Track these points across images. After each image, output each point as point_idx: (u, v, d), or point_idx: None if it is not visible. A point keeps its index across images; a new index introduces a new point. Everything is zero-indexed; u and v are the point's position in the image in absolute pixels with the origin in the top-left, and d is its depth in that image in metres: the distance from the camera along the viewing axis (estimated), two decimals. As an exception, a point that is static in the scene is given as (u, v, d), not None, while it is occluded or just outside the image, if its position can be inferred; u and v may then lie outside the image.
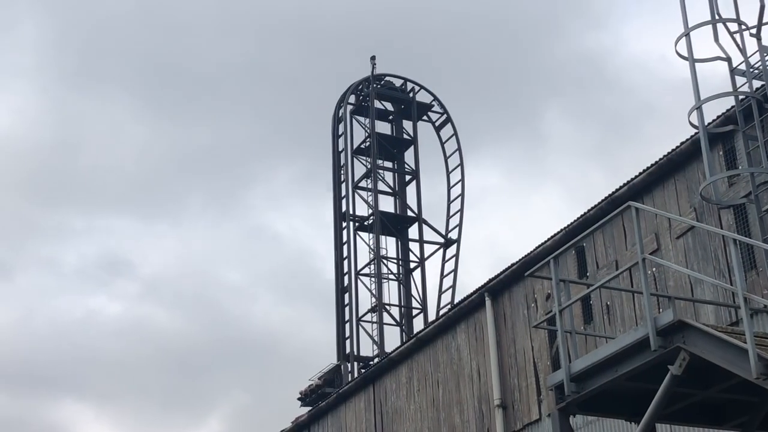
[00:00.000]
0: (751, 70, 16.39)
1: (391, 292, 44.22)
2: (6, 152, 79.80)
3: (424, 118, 47.69)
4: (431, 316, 42.27)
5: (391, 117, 47.60)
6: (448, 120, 47.45)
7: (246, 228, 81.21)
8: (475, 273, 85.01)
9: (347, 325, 42.83)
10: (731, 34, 16.65)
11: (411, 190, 46.26)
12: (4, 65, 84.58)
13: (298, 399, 43.46)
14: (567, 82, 78.45)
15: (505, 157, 77.61)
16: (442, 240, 45.19)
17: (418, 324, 42.65)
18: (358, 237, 44.50)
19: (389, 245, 45.03)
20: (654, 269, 18.28)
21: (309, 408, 39.29)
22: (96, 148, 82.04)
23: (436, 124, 47.72)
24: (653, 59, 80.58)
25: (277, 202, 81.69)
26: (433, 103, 47.62)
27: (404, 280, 44.58)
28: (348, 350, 42.30)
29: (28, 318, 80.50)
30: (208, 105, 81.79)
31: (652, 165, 18.46)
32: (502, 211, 78.64)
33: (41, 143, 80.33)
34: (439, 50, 68.33)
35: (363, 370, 34.34)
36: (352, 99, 46.87)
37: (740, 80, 16.46)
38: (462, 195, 45.90)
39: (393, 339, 42.73)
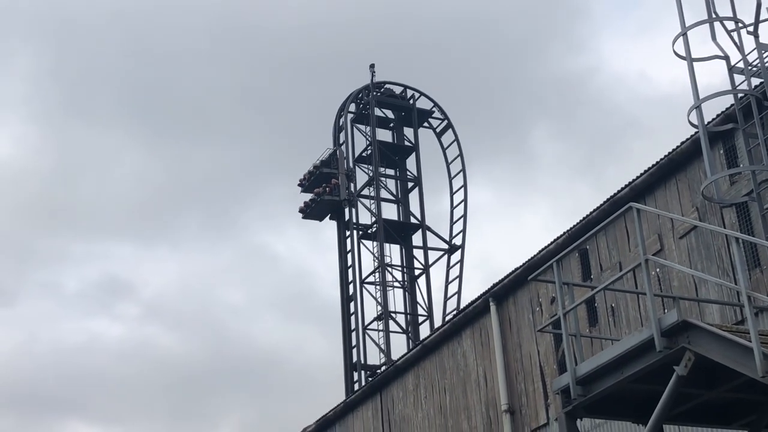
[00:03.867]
0: (750, 67, 16.35)
1: (397, 299, 44.26)
2: (6, 180, 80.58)
3: (425, 124, 47.69)
4: (437, 323, 42.24)
5: (391, 124, 47.61)
6: (449, 126, 47.43)
7: (244, 249, 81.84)
8: (469, 285, 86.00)
9: (353, 334, 42.82)
10: (728, 32, 16.62)
11: (414, 197, 46.28)
12: (1, 96, 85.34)
13: (299, 185, 45.77)
14: (552, 102, 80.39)
15: (494, 175, 78.86)
16: (446, 246, 45.18)
17: (424, 331, 42.65)
18: (362, 245, 44.54)
19: (393, 253, 45.09)
20: (658, 270, 18.24)
21: (312, 218, 44.40)
22: (93, 174, 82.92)
23: (437, 130, 47.71)
24: (633, 76, 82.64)
25: (274, 221, 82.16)
26: (434, 109, 47.62)
27: (409, 287, 44.55)
28: (355, 359, 42.28)
29: (32, 342, 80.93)
30: (202, 128, 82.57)
31: (653, 165, 18.41)
32: (493, 226, 79.88)
33: (40, 171, 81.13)
34: (425, 71, 69.54)
35: (370, 379, 34.29)
36: (352, 108, 46.90)
37: (739, 78, 16.42)
38: (465, 200, 45.88)
39: (400, 346, 42.74)
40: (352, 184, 44.71)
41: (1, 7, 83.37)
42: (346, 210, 44.45)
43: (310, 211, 45.08)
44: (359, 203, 44.96)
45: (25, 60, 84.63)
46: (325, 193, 44.18)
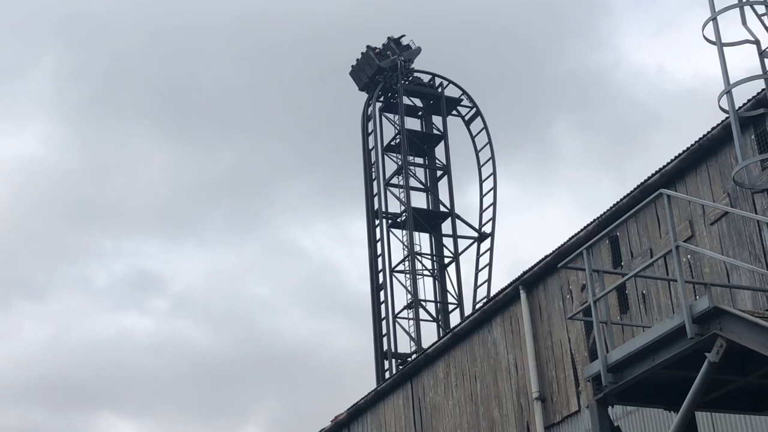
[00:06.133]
0: (781, 52, 16.19)
1: (427, 288, 44.27)
2: (35, 177, 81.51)
3: (454, 112, 47.61)
4: (467, 311, 42.23)
5: (420, 113, 47.56)
6: (478, 113, 47.33)
7: (271, 243, 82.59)
8: (494, 276, 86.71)
9: (383, 323, 42.87)
10: (759, 16, 16.46)
11: (443, 185, 46.24)
12: (29, 95, 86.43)
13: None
14: (573, 96, 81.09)
15: (516, 168, 79.25)
16: (475, 234, 45.12)
17: (454, 319, 42.67)
18: (391, 234, 44.56)
19: (423, 241, 45.08)
20: (689, 256, 18.15)
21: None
22: (121, 172, 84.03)
23: (466, 118, 47.62)
24: (652, 70, 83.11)
25: (300, 216, 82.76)
26: (462, 97, 47.53)
27: (439, 275, 44.55)
28: (385, 347, 42.34)
29: (64, 336, 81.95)
30: (228, 125, 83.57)
31: (684, 151, 18.32)
32: (516, 218, 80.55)
33: (68, 168, 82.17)
34: (447, 66, 70.06)
35: (401, 367, 34.34)
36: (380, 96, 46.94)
37: (770, 63, 16.26)
38: (494, 188, 45.80)
39: (430, 335, 42.78)
40: (396, 72, 46.41)
41: (29, 8, 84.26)
42: (379, 87, 46.39)
43: (356, 66, 47.11)
44: (388, 191, 44.99)
45: (52, 59, 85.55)
46: (374, 52, 46.39)
